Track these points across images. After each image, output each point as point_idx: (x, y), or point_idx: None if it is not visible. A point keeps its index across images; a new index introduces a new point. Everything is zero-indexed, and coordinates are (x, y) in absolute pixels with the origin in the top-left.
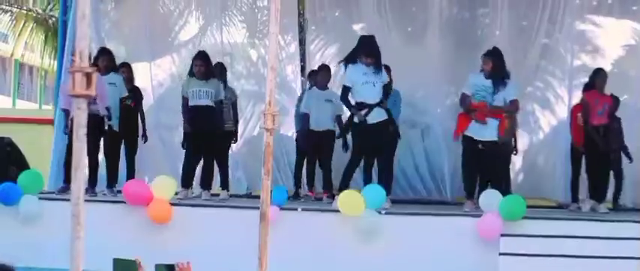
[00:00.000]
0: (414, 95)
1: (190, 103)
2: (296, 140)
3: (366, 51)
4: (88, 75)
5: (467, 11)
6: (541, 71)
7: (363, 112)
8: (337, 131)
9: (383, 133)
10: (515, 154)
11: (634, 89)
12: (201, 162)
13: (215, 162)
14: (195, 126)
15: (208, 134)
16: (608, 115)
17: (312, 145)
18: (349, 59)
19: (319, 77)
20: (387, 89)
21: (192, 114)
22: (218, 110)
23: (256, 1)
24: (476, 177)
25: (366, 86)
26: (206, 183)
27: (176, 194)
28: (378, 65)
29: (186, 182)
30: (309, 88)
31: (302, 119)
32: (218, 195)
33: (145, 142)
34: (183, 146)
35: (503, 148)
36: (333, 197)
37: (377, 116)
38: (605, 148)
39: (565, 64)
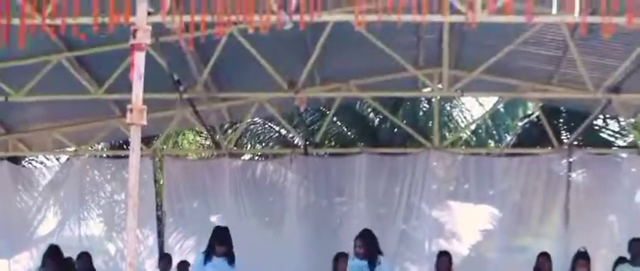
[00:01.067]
0: None
1: None
2: None
3: (217, 241)
4: None
5: (324, 199)
6: (399, 258)
7: None
8: None
9: None
10: None
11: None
12: None
13: None
14: None
15: None
16: None
17: None
18: (207, 251)
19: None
20: None
21: None
22: None
23: (113, 194)
24: None
25: None
26: None
27: None
28: (230, 256)
29: None
30: None
31: None
32: None
33: None
34: None
35: None
36: None
37: None
38: None
39: (423, 249)
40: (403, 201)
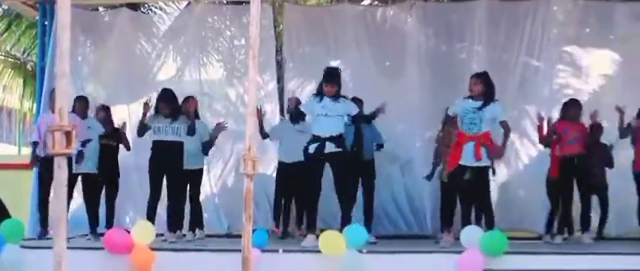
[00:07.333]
0: (394, 129)
1: (154, 138)
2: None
3: (325, 81)
4: (68, 134)
5: (444, 45)
6: (520, 102)
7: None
8: None
9: (337, 164)
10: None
11: (609, 117)
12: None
13: (188, 200)
14: (157, 161)
15: (173, 170)
16: (581, 144)
17: (284, 179)
18: (317, 92)
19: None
20: (361, 120)
21: (155, 149)
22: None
23: (233, 40)
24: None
25: (319, 118)
26: (177, 225)
27: (161, 236)
28: (336, 96)
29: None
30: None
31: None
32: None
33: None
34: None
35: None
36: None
37: (330, 147)
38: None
39: (542, 94)
40: (524, 46)
